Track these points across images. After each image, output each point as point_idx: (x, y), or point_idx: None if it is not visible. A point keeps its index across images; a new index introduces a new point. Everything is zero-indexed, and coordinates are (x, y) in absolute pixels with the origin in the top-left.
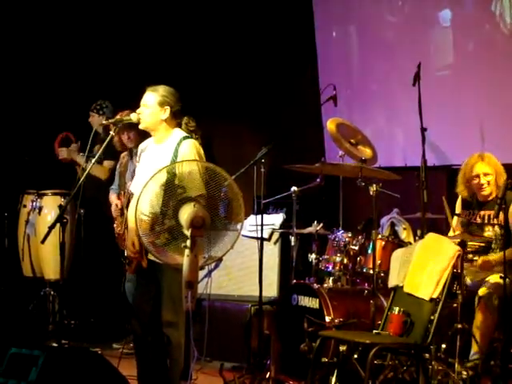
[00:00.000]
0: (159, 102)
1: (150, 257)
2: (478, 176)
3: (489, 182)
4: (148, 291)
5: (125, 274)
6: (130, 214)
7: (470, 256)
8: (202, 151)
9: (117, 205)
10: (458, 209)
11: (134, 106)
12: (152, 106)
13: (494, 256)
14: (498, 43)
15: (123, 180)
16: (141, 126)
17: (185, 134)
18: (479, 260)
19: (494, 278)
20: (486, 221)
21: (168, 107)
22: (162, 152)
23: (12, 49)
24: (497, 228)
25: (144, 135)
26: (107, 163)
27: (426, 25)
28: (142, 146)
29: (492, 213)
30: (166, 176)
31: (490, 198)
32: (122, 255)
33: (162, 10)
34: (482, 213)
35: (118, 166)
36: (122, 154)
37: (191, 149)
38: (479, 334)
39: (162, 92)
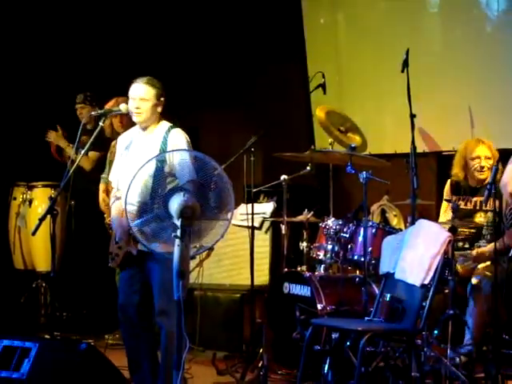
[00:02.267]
0: (157, 94)
1: (140, 247)
2: (478, 157)
3: (490, 166)
4: (136, 282)
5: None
6: (117, 204)
7: (461, 244)
8: (189, 139)
9: (104, 199)
10: (447, 194)
11: (123, 95)
12: (152, 100)
13: (489, 247)
14: (485, 29)
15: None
16: (137, 120)
17: (171, 124)
18: (473, 252)
19: (486, 265)
20: (477, 207)
21: (163, 99)
22: (150, 142)
23: (2, 44)
24: (489, 214)
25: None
26: (92, 154)
27: (413, 11)
28: (122, 138)
29: (482, 199)
30: (155, 165)
31: (483, 184)
32: None
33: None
34: (474, 199)
35: (108, 155)
36: (113, 143)
37: (182, 137)
38: (473, 321)
39: (157, 84)
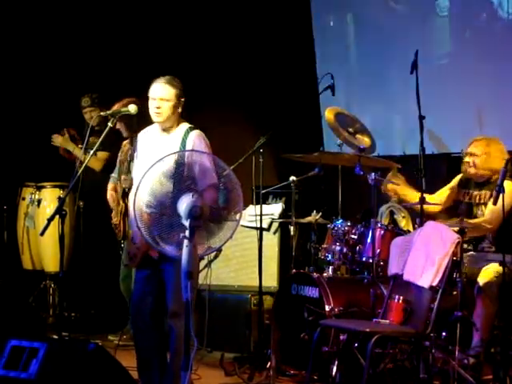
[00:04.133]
0: (177, 94)
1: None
2: (466, 154)
3: (474, 163)
4: (151, 283)
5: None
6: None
7: (465, 245)
8: (208, 142)
9: (112, 195)
10: (453, 183)
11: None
12: (172, 100)
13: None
14: (495, 31)
15: (123, 168)
16: (157, 120)
17: (190, 125)
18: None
19: (493, 267)
20: (477, 201)
21: (183, 99)
22: (169, 142)
23: (9, 44)
24: (490, 206)
25: (131, 127)
26: (101, 154)
27: (423, 14)
28: (142, 135)
29: (484, 193)
30: (172, 166)
31: (482, 179)
32: (119, 246)
33: (158, 0)
34: (475, 193)
35: (119, 154)
36: (124, 142)
37: (201, 140)
38: (480, 323)
39: (177, 84)
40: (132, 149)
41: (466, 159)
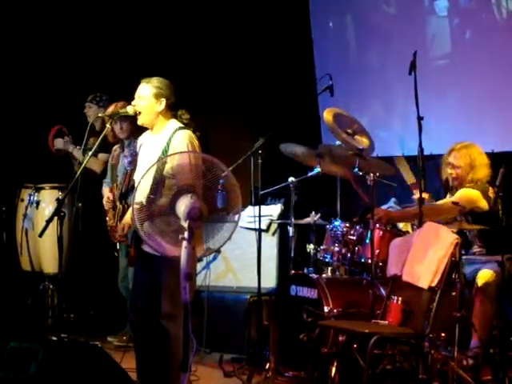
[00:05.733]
0: (154, 94)
1: (147, 248)
2: (448, 164)
3: (458, 175)
4: (147, 283)
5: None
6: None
7: None
8: (196, 142)
9: (108, 197)
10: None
11: (130, 99)
12: (147, 99)
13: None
14: (494, 31)
15: (115, 173)
16: (139, 122)
17: (180, 125)
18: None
19: (492, 267)
20: None
21: (164, 99)
22: (157, 143)
23: (9, 45)
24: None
25: (137, 126)
26: (102, 156)
27: (422, 14)
28: (140, 139)
29: None
30: (156, 166)
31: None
32: (115, 248)
33: (158, 1)
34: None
35: (109, 159)
36: (114, 147)
37: (184, 139)
38: (479, 323)
39: (157, 84)
40: (122, 153)
41: (449, 171)
